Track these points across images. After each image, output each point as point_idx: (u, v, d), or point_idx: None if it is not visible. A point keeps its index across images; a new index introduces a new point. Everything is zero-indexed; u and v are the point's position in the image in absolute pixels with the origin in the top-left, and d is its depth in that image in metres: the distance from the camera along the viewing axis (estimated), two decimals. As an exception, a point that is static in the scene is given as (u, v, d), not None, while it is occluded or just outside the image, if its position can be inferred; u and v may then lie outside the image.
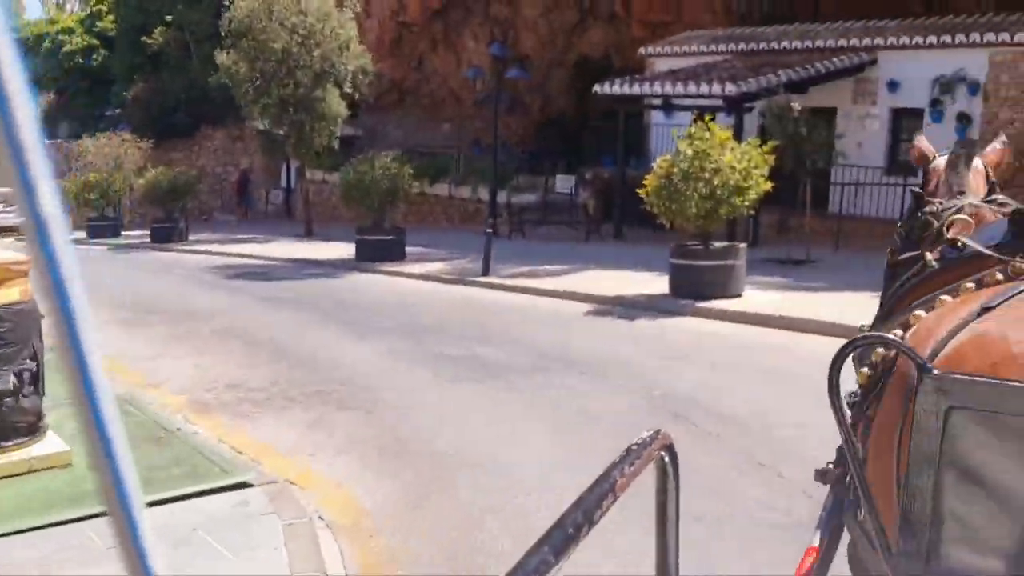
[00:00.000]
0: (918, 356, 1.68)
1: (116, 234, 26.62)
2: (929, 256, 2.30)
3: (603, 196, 23.33)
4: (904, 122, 19.21)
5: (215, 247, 21.44)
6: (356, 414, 6.84)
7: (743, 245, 12.49)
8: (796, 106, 15.76)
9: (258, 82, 23.10)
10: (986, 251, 2.15)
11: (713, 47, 23.03)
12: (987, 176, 2.67)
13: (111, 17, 42.27)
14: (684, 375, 8.08)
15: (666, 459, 1.58)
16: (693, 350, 9.20)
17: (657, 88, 19.98)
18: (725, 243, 12.60)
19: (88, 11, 46.71)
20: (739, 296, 11.92)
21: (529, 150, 31.11)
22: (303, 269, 16.97)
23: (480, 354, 8.95)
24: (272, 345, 9.43)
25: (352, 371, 8.23)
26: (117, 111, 36.55)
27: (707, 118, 12.22)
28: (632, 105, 21.91)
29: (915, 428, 1.63)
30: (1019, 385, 1.51)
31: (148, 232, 24.95)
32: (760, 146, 12.26)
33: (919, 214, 2.54)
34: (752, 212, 12.82)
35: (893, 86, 19.38)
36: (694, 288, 11.83)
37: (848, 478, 2.23)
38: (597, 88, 20.98)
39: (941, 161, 2.78)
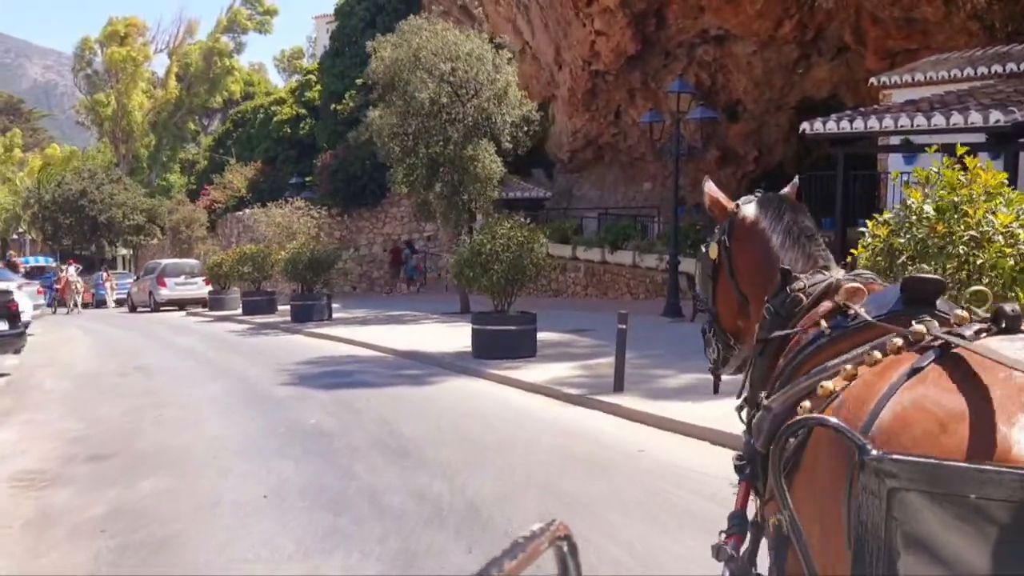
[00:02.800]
0: (858, 437, 1.62)
1: (271, 310, 24.00)
2: (824, 324, 2.28)
3: (821, 266, 17.86)
4: None
5: (340, 331, 17.93)
6: None
7: None
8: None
9: (407, 139, 19.70)
10: (874, 320, 2.12)
11: (970, 71, 17.10)
12: None
13: (319, 86, 41.34)
14: None
15: (565, 549, 1.29)
16: None
17: (890, 122, 14.49)
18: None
19: (300, 81, 46.45)
20: None
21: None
22: (403, 368, 12.95)
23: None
24: (143, 548, 5.26)
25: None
26: (305, 179, 34.83)
27: (960, 151, 7.02)
28: (859, 147, 16.51)
29: (859, 509, 1.59)
30: (957, 465, 1.49)
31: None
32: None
33: (787, 290, 2.50)
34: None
35: None
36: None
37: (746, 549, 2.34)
38: (806, 127, 15.73)
39: (748, 210, 2.78)
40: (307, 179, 35.13)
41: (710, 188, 2.98)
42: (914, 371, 1.79)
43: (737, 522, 2.46)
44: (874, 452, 1.56)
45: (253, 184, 39.12)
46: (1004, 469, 1.46)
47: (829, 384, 2.00)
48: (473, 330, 13.24)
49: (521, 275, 13.01)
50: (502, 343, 12.77)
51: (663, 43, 27.12)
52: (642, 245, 23.03)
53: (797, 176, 3.11)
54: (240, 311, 24.68)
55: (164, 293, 30.42)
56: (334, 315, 21.19)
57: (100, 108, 69.19)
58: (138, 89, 69.34)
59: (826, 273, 2.52)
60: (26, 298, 18.92)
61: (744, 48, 26.08)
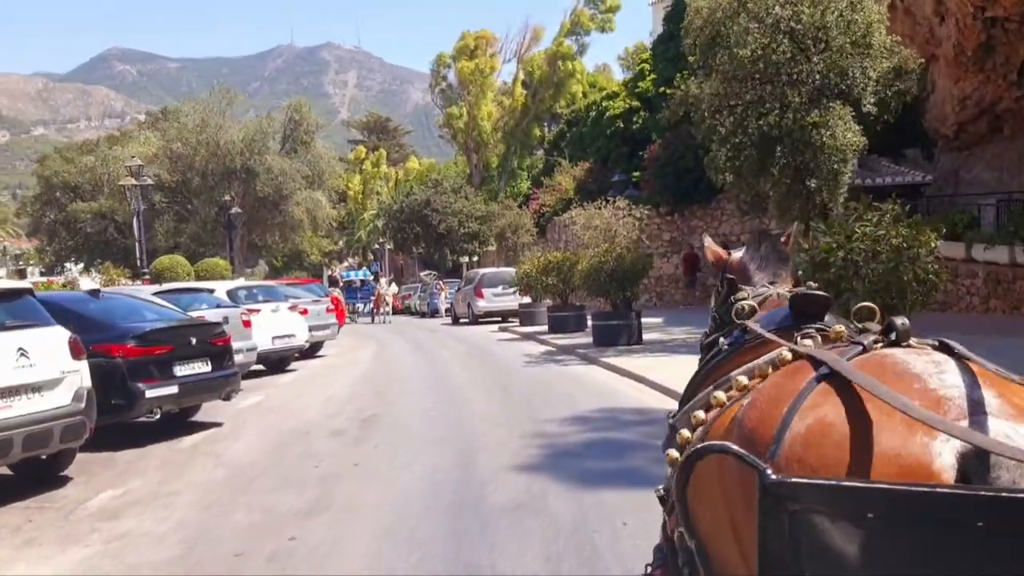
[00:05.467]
0: (759, 462, 1.57)
1: (579, 328, 20.35)
2: (722, 340, 2.43)
3: None
4: None
5: (641, 362, 13.60)
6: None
7: None
8: None
9: (733, 112, 15.05)
10: (767, 335, 2.19)
11: None
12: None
13: (653, 75, 37.41)
14: None
15: None
16: None
17: None
18: None
19: (633, 72, 42.84)
20: None
21: None
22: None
23: None
24: None
25: None
26: (632, 176, 30.99)
27: None
28: None
29: (761, 530, 1.52)
30: (853, 485, 1.47)
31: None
32: None
33: (731, 300, 2.61)
34: None
35: None
36: None
37: None
38: None
39: (737, 255, 2.96)
40: (635, 175, 31.32)
41: (708, 243, 3.14)
42: (820, 378, 1.78)
43: (662, 554, 2.44)
44: (773, 476, 1.50)
45: (581, 185, 36.10)
46: (896, 487, 1.44)
47: (720, 395, 2.09)
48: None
49: (899, 298, 7.90)
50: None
51: (1093, -33, 19.75)
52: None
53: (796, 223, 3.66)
54: (546, 328, 21.37)
55: (481, 304, 28.19)
56: (646, 335, 17.00)
57: (454, 121, 70.75)
58: (487, 99, 69.94)
59: (770, 287, 2.63)
60: (300, 320, 16.88)
61: None
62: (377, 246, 62.17)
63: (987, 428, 1.51)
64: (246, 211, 35.60)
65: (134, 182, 26.32)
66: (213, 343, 10.32)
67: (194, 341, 9.95)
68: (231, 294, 15.49)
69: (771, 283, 2.64)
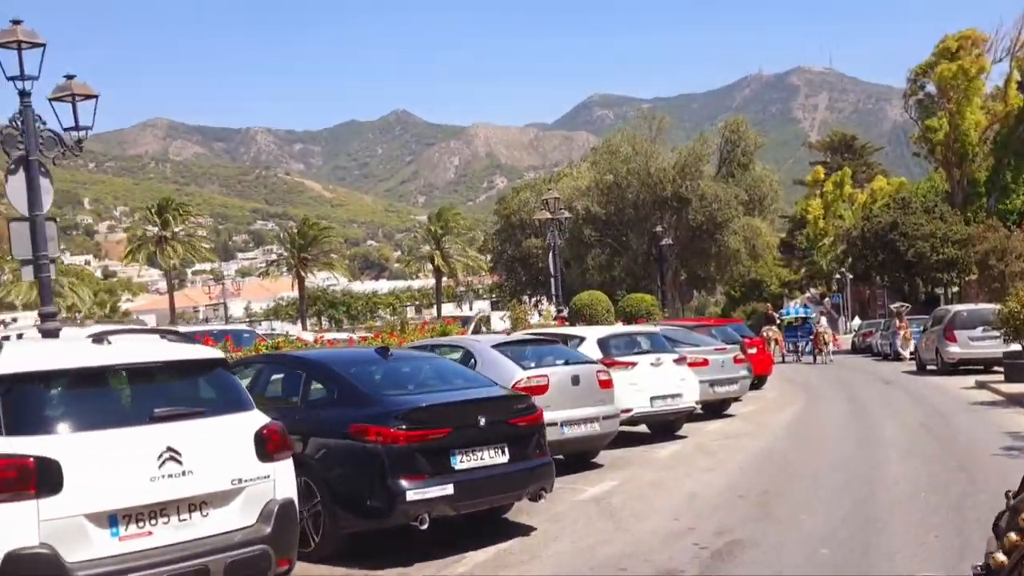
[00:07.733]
0: None
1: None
2: None
3: None
4: None
5: None
6: None
7: None
8: None
9: None
10: None
11: None
12: None
13: None
14: None
15: None
16: None
17: None
18: None
19: None
20: None
21: None
22: None
23: None
24: None
25: None
26: None
27: None
28: None
29: None
30: None
31: None
32: None
33: None
34: None
35: None
36: None
37: None
38: None
39: None
40: None
41: None
42: None
43: None
44: None
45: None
46: None
47: None
48: None
49: None
50: None
51: None
52: None
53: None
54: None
55: (953, 350, 22.41)
56: None
57: (931, 133, 62.05)
58: (972, 105, 60.22)
59: None
60: (689, 376, 13.64)
61: None
62: (839, 276, 56.21)
63: None
64: (678, 242, 33.31)
65: (549, 215, 25.40)
66: (512, 423, 7.64)
67: (483, 421, 7.35)
68: (602, 343, 12.83)
69: None
